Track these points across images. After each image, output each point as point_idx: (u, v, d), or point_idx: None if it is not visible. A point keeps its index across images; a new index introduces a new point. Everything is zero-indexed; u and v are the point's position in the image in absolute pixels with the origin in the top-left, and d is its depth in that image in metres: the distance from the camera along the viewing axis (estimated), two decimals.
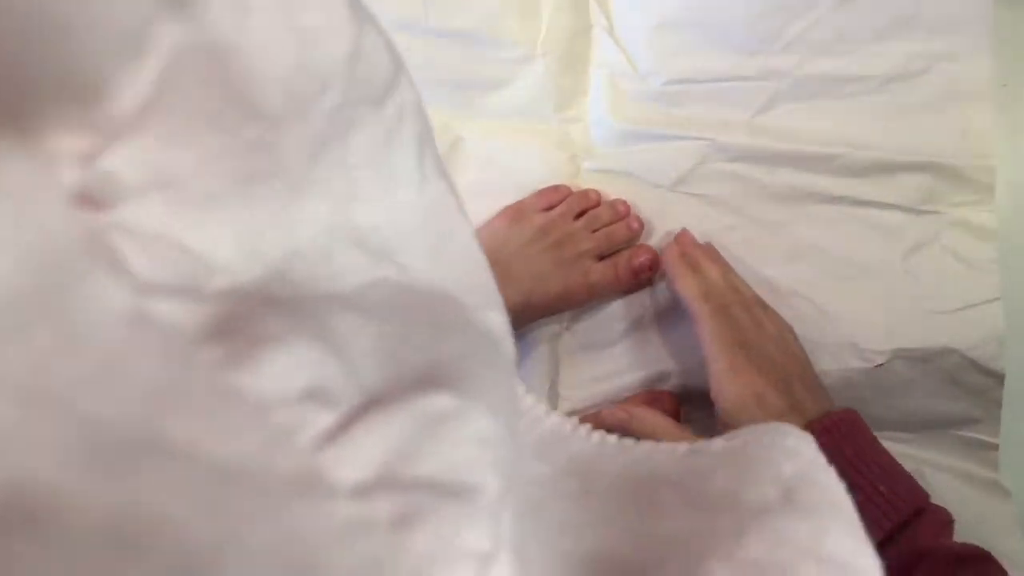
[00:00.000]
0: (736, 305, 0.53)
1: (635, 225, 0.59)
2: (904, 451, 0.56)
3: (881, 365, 0.55)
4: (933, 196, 0.56)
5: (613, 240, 0.59)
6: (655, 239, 0.61)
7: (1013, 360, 0.53)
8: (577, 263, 0.58)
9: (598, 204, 0.60)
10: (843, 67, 0.56)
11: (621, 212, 0.60)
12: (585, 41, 0.62)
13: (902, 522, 0.44)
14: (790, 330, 0.54)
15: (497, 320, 0.25)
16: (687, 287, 0.54)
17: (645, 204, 0.61)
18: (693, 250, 0.56)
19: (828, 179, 0.57)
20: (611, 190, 0.61)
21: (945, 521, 0.46)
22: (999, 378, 0.53)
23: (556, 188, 0.61)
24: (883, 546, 0.44)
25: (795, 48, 0.56)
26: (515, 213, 0.59)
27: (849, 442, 0.46)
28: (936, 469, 0.55)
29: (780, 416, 0.48)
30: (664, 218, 0.60)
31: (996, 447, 0.54)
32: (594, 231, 0.59)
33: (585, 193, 0.60)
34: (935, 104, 0.56)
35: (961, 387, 0.54)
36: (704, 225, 0.60)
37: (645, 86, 0.60)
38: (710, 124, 0.59)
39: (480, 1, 0.60)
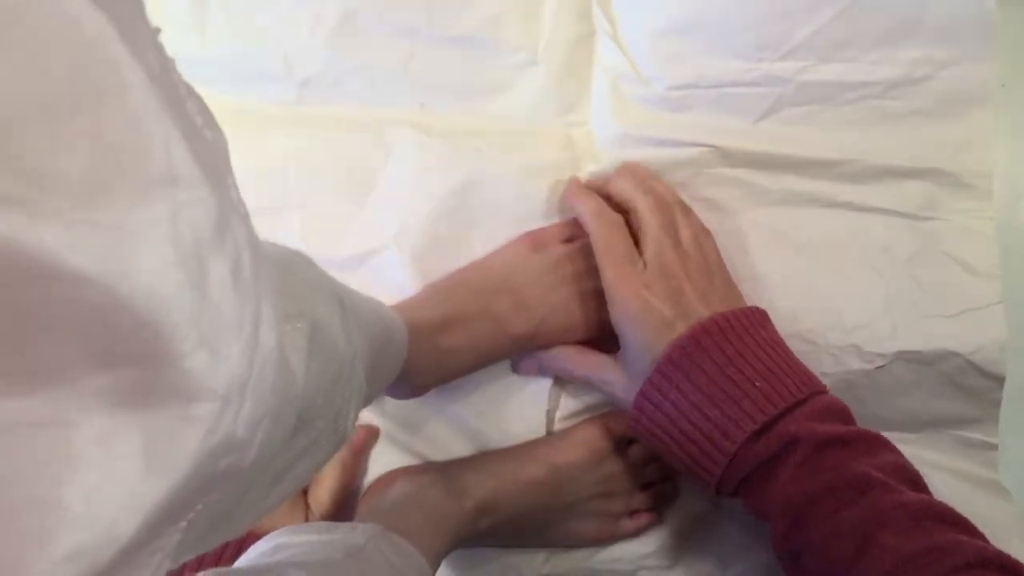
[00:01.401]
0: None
1: None
2: (904, 451, 0.57)
3: (882, 367, 0.56)
4: (934, 202, 0.57)
5: None
6: None
7: (1013, 362, 0.54)
8: (591, 299, 0.58)
9: None
10: (846, 73, 0.56)
11: None
12: (588, 45, 0.62)
13: (778, 414, 0.46)
14: (705, 233, 0.56)
15: None
16: (583, 207, 0.56)
17: None
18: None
19: (830, 185, 0.58)
20: None
21: (827, 408, 0.48)
22: (1000, 380, 0.54)
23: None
24: (757, 437, 0.46)
25: (798, 54, 0.56)
26: (536, 240, 0.59)
27: (734, 341, 0.48)
28: (936, 469, 0.56)
29: (666, 324, 0.50)
30: None
31: (996, 447, 0.55)
32: None
33: None
34: (937, 111, 0.56)
35: (962, 389, 0.55)
36: None
37: (648, 91, 0.60)
38: (713, 129, 0.59)
39: (482, 6, 0.60)
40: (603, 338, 0.59)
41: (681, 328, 0.49)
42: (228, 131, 0.63)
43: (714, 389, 0.47)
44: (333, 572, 0.42)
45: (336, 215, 0.61)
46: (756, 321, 0.51)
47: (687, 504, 0.62)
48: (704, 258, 0.54)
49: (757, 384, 0.46)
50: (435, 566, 0.54)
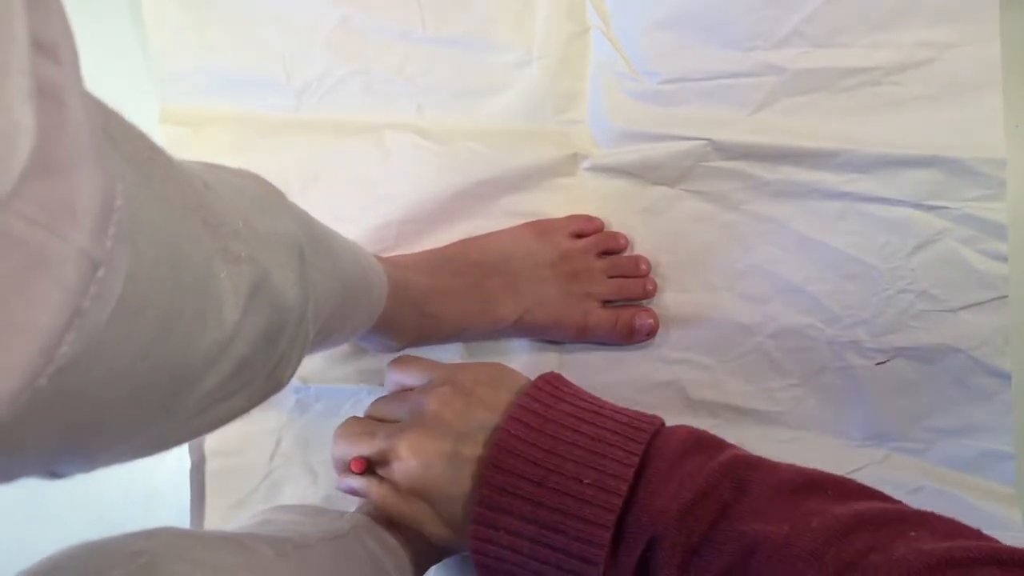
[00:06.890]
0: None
1: (650, 287, 0.59)
2: (915, 463, 0.54)
3: (883, 363, 0.53)
4: (942, 191, 0.54)
5: (623, 293, 0.59)
6: (655, 237, 0.60)
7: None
8: (582, 301, 0.58)
9: (623, 250, 0.60)
10: (843, 59, 0.54)
11: (642, 269, 0.59)
12: (582, 43, 0.61)
13: (626, 499, 0.39)
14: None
15: None
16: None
17: (646, 203, 0.60)
18: None
19: (831, 175, 0.56)
20: (611, 190, 0.61)
21: (676, 451, 0.40)
22: (1006, 379, 0.50)
23: (590, 219, 0.60)
24: (620, 537, 0.39)
25: (792, 41, 0.54)
26: (542, 230, 0.59)
27: (538, 441, 0.41)
28: (948, 483, 0.53)
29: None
30: (664, 217, 0.60)
31: (1011, 457, 0.51)
32: (610, 276, 0.59)
33: (615, 235, 0.60)
34: (942, 95, 0.53)
35: (969, 390, 0.52)
36: (704, 223, 0.59)
37: (642, 86, 0.59)
38: (708, 122, 0.58)
39: (476, 7, 0.61)
40: (583, 342, 0.60)
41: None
42: (229, 139, 0.65)
43: (544, 514, 0.40)
44: (303, 554, 0.42)
45: (337, 220, 0.62)
46: (549, 395, 0.44)
47: None
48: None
49: (585, 482, 0.39)
50: (423, 564, 0.54)
